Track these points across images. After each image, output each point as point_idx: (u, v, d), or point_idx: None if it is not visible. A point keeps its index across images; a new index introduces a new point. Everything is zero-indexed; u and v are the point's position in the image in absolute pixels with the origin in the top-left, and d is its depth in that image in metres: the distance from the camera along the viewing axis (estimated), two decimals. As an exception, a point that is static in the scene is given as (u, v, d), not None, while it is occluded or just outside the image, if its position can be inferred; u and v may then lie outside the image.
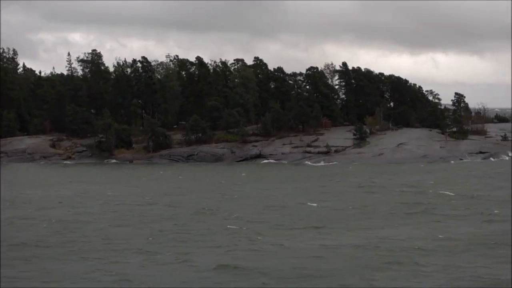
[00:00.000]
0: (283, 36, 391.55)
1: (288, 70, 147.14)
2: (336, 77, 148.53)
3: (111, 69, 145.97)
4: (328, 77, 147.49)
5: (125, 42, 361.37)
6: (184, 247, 39.07)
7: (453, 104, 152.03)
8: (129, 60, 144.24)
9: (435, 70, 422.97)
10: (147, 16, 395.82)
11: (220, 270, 33.34)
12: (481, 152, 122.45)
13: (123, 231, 44.97)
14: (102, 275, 32.85)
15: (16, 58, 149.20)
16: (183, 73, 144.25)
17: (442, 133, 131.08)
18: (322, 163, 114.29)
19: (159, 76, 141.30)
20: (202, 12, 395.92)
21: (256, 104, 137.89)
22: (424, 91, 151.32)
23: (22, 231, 45.49)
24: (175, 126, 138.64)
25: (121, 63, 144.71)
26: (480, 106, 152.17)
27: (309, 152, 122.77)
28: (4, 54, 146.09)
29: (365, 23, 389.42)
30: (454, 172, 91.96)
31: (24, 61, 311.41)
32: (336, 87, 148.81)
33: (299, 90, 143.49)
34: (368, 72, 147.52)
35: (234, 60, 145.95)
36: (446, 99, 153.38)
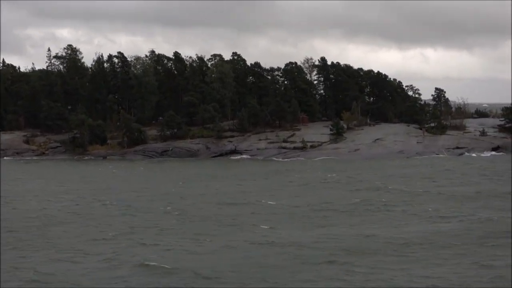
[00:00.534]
0: (271, 31, 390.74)
1: (277, 66, 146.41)
2: (315, 72, 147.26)
3: (92, 64, 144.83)
4: (306, 72, 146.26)
5: (113, 37, 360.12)
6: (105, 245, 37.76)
7: (434, 99, 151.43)
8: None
9: (424, 65, 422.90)
10: (134, 12, 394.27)
11: (141, 268, 32.14)
12: (458, 148, 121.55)
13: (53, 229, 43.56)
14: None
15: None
16: (160, 68, 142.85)
17: (420, 129, 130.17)
18: (295, 159, 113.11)
19: (135, 72, 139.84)
20: (190, 8, 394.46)
21: (233, 99, 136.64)
22: (404, 86, 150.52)
23: None
24: (154, 122, 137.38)
25: (100, 59, 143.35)
26: (461, 101, 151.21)
27: (285, 148, 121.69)
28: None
29: (353, 19, 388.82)
30: (424, 168, 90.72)
31: (12, 57, 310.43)
32: (315, 82, 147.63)
33: (277, 86, 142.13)
34: (347, 67, 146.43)
35: (212, 55, 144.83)
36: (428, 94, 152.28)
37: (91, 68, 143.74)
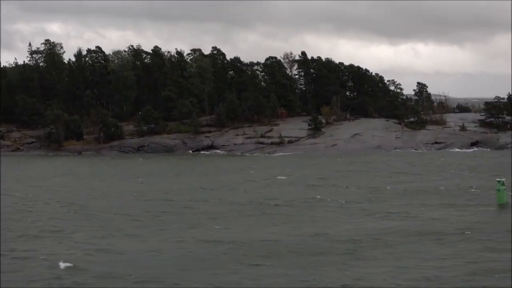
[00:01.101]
0: (262, 26, 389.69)
1: (257, 61, 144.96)
2: (296, 67, 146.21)
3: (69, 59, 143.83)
4: (287, 66, 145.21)
5: (103, 32, 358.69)
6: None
7: (415, 94, 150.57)
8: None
9: (416, 60, 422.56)
10: (125, 6, 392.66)
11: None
12: (436, 143, 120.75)
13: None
14: None
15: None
16: (138, 63, 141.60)
17: (399, 123, 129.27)
18: (269, 154, 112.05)
19: (114, 67, 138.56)
20: (180, 3, 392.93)
21: (211, 94, 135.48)
22: (386, 81, 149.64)
23: None
24: (134, 117, 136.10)
25: (78, 53, 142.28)
26: (442, 96, 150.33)
27: (262, 143, 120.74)
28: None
29: (343, 14, 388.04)
30: (395, 163, 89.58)
31: (3, 52, 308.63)
32: (296, 77, 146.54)
33: (256, 80, 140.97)
34: (328, 62, 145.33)
35: (191, 50, 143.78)
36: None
37: (68, 62, 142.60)
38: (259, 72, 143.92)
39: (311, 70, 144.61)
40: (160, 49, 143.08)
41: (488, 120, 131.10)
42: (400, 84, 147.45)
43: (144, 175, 76.02)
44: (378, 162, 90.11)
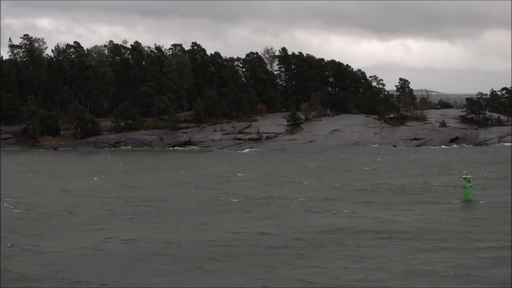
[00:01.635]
0: (252, 22, 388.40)
1: (237, 56, 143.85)
2: (276, 63, 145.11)
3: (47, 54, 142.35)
4: (267, 62, 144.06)
5: (94, 27, 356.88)
6: None
7: (397, 90, 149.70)
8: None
9: (407, 56, 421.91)
10: (115, 1, 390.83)
11: None
12: (415, 139, 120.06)
13: None
14: None
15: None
16: (117, 58, 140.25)
17: (379, 119, 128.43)
18: (246, 150, 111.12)
19: (93, 62, 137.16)
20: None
21: (190, 90, 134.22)
22: (368, 77, 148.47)
23: None
24: (113, 112, 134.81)
25: (57, 48, 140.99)
26: (424, 92, 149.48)
27: (240, 139, 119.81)
28: None
29: (332, 9, 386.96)
30: (366, 159, 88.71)
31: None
32: (276, 72, 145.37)
33: (236, 76, 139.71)
34: (309, 58, 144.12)
35: (172, 45, 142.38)
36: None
37: (48, 57, 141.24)
38: (239, 68, 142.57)
39: (292, 66, 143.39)
40: (140, 44, 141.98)
41: (469, 116, 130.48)
42: (382, 80, 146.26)
43: (93, 172, 74.18)
44: (350, 159, 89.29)
